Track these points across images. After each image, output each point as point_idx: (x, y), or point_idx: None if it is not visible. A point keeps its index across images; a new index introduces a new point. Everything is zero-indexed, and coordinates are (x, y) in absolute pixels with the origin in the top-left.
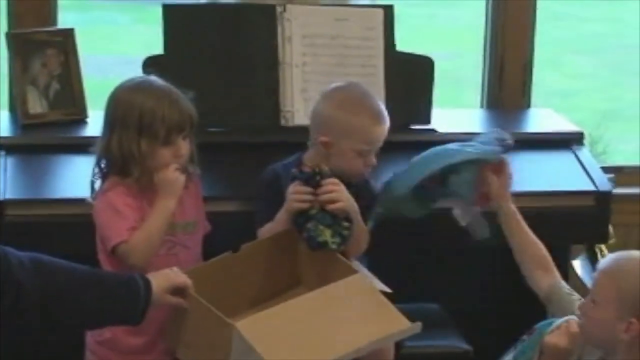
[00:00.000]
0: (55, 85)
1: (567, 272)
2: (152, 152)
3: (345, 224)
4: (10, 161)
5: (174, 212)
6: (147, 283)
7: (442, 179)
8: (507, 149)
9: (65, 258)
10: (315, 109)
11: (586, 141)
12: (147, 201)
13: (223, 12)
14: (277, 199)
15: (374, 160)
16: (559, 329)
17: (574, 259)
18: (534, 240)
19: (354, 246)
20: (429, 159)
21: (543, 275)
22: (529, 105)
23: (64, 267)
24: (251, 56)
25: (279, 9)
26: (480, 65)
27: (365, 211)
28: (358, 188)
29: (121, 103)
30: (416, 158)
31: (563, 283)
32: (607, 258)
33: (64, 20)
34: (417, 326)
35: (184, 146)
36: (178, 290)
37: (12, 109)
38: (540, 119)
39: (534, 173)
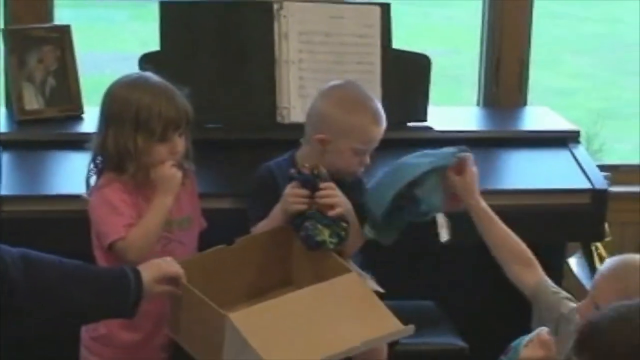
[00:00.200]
0: (51, 82)
1: (562, 270)
2: (148, 148)
3: (343, 224)
4: (6, 157)
5: (171, 208)
6: (137, 275)
7: (410, 196)
8: (463, 151)
9: (61, 254)
10: (313, 106)
11: (582, 139)
12: (143, 197)
13: (219, 8)
14: (270, 197)
15: (367, 159)
16: (532, 342)
17: (569, 256)
18: (510, 235)
19: (349, 245)
20: (388, 183)
21: (524, 270)
22: (525, 103)
23: (53, 263)
24: (248, 53)
25: (275, 6)
26: (477, 63)
27: (359, 209)
28: (352, 187)
29: (117, 99)
30: (376, 181)
31: (548, 281)
32: (608, 261)
33: (60, 17)
34: (410, 329)
35: (180, 143)
36: (171, 280)
37: (8, 105)
38: (537, 117)
39: (530, 171)
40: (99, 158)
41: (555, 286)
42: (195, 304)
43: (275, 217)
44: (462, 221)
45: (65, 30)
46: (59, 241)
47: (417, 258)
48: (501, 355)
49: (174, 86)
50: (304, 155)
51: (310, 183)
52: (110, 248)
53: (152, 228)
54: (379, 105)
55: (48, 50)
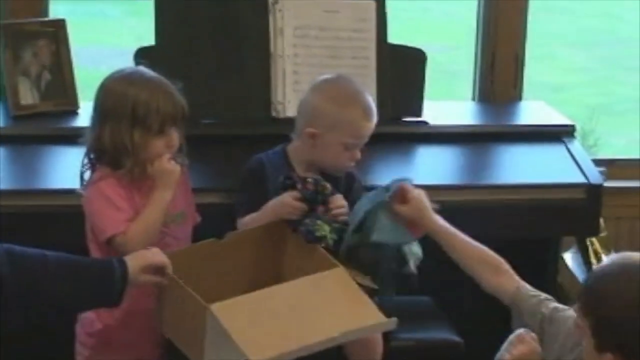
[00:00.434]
0: (46, 76)
1: (557, 265)
2: (145, 143)
3: (344, 225)
4: (1, 152)
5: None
6: (123, 264)
7: (371, 245)
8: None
9: (56, 248)
10: (304, 100)
11: (578, 134)
12: (138, 192)
13: (215, 3)
14: (260, 190)
15: (358, 155)
16: (511, 344)
17: (565, 251)
18: (475, 246)
19: None
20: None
21: (498, 278)
22: (520, 98)
23: (37, 257)
24: (243, 48)
25: (270, 1)
26: (472, 58)
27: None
28: (347, 183)
29: (113, 94)
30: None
31: (526, 285)
32: (604, 264)
33: (55, 11)
34: (393, 322)
35: (176, 137)
36: (157, 270)
37: (3, 99)
38: (532, 111)
39: (525, 165)
40: (94, 153)
41: (533, 289)
42: (179, 295)
43: (265, 215)
44: (456, 216)
45: (60, 25)
46: (54, 235)
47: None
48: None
49: (169, 81)
50: (295, 149)
51: (312, 201)
52: (109, 242)
53: (152, 223)
54: (371, 100)
55: (43, 44)
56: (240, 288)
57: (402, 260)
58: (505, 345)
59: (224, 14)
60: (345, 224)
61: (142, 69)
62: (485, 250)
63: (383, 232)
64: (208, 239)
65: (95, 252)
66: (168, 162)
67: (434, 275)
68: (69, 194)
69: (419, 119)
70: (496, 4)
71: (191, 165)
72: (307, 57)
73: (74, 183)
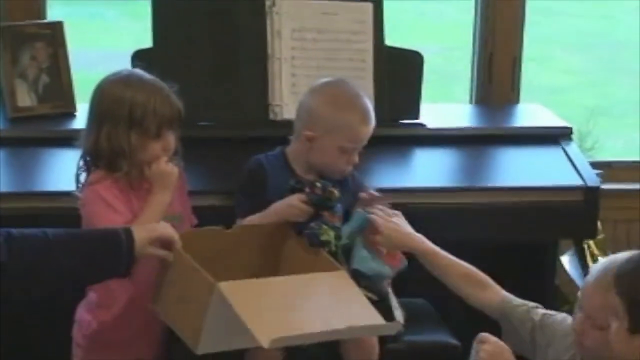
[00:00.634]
0: (44, 79)
1: (555, 268)
2: (143, 145)
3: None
4: None
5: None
6: (129, 235)
7: (356, 274)
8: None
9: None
10: (303, 102)
11: (575, 137)
12: (135, 195)
13: (212, 5)
14: (259, 191)
15: (356, 158)
16: (476, 351)
17: (562, 254)
18: (456, 262)
19: None
20: None
21: (483, 292)
22: (518, 101)
23: (38, 236)
24: (240, 50)
25: (268, 3)
26: (470, 61)
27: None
28: (347, 185)
29: (110, 97)
30: None
31: (510, 296)
32: (593, 267)
33: (52, 14)
34: (398, 325)
35: (172, 139)
36: (165, 244)
37: (1, 102)
38: (529, 114)
39: (522, 168)
40: (90, 155)
41: (518, 299)
42: (184, 270)
43: (269, 217)
44: (453, 218)
45: (57, 27)
46: None
47: (409, 256)
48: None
49: (165, 83)
50: (294, 151)
51: (318, 206)
52: None
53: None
54: (369, 104)
55: (41, 47)
56: (238, 278)
57: (388, 305)
58: (472, 353)
59: (221, 16)
60: None
61: (139, 71)
62: (468, 267)
63: (362, 261)
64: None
65: None
66: (166, 165)
67: (430, 278)
68: (66, 197)
69: (416, 121)
70: (494, 7)
71: (188, 167)
72: (305, 60)
73: (71, 185)
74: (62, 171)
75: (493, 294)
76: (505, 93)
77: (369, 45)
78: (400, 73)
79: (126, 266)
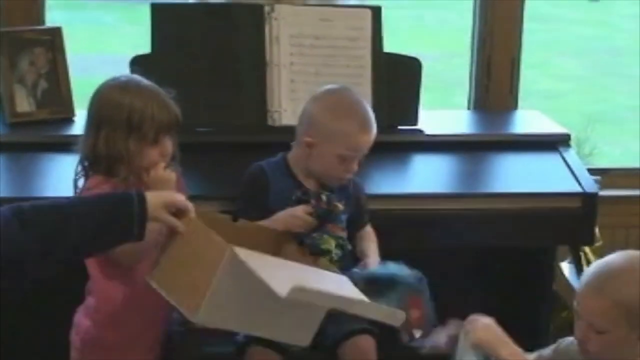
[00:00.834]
0: (42, 84)
1: (552, 274)
2: (140, 152)
3: (348, 246)
4: None
5: None
6: (142, 198)
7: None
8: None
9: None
10: (305, 108)
11: (573, 143)
12: None
13: (211, 11)
14: (260, 196)
15: (355, 167)
16: (468, 330)
17: (562, 261)
18: None
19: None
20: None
21: None
22: (516, 107)
23: (48, 207)
24: (239, 56)
25: (267, 9)
26: (468, 67)
27: (358, 212)
28: (347, 191)
29: (108, 103)
30: None
31: (541, 351)
32: (584, 274)
33: (51, 19)
34: (402, 315)
35: (170, 145)
36: (178, 213)
37: (0, 107)
38: (527, 120)
39: (520, 174)
40: (88, 161)
41: (546, 348)
42: (197, 236)
43: (272, 225)
44: (451, 224)
45: (56, 33)
46: None
47: (406, 261)
48: None
49: (162, 89)
50: (295, 157)
51: (323, 217)
52: None
53: (149, 231)
54: (370, 114)
55: (39, 52)
56: None
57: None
58: (460, 337)
59: (220, 23)
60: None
61: (137, 77)
62: None
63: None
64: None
65: (91, 262)
66: (163, 171)
67: (430, 285)
68: None
69: (414, 127)
70: (492, 13)
71: (187, 173)
72: (303, 66)
73: (69, 191)
74: (61, 176)
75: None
76: (504, 99)
77: (367, 52)
78: (398, 79)
79: (139, 229)
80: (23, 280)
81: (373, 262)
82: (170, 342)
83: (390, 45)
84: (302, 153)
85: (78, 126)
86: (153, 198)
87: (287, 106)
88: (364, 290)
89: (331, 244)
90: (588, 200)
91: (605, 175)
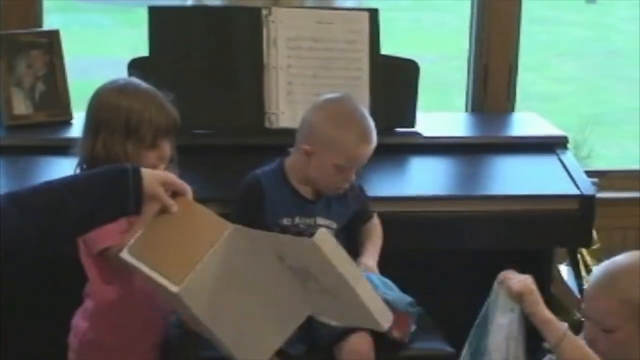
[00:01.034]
0: (40, 87)
1: (550, 276)
2: (138, 155)
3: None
4: None
5: None
6: (137, 171)
7: None
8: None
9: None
10: (305, 116)
11: (570, 145)
12: None
13: (209, 14)
14: (257, 207)
15: (352, 177)
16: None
17: (560, 263)
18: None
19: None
20: None
21: None
22: (513, 109)
23: (42, 190)
24: (236, 58)
25: (264, 12)
26: (465, 69)
27: (362, 209)
28: (345, 194)
29: (107, 105)
30: None
31: None
32: (592, 275)
33: (49, 22)
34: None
35: (167, 148)
36: (174, 194)
37: None
38: (525, 122)
39: (518, 177)
40: (86, 163)
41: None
42: (193, 215)
43: None
44: (449, 227)
45: (54, 36)
46: None
47: (404, 263)
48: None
49: (161, 92)
50: (292, 164)
51: None
52: (102, 253)
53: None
54: (371, 125)
55: (37, 55)
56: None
57: None
58: (491, 295)
59: (217, 25)
60: None
61: (136, 80)
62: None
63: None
64: None
65: (89, 265)
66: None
67: (425, 286)
68: None
69: (412, 129)
70: (489, 15)
71: (185, 175)
72: (301, 68)
73: None
74: None
75: None
76: (501, 101)
77: (364, 54)
78: (396, 82)
79: (135, 203)
80: (24, 266)
81: (366, 264)
82: (168, 345)
83: (387, 48)
84: (301, 160)
85: (76, 129)
86: (149, 173)
87: (284, 108)
88: None
89: None
90: (585, 202)
91: (602, 177)
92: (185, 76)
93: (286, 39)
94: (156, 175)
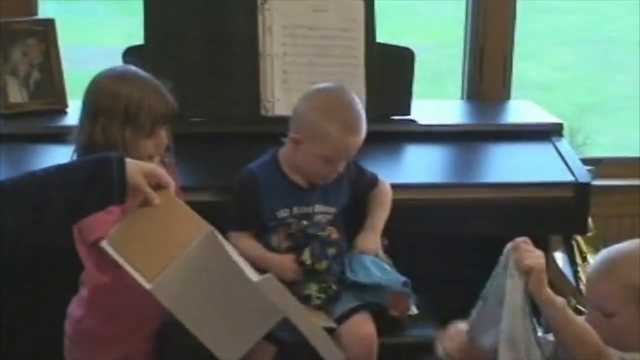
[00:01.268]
0: (35, 75)
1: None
2: (136, 143)
3: (334, 287)
4: None
5: None
6: (121, 160)
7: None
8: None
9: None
10: (296, 105)
11: (566, 133)
12: None
13: (204, 2)
14: (252, 203)
15: (340, 168)
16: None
17: (555, 250)
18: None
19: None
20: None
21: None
22: (509, 97)
23: (25, 181)
24: (232, 46)
25: (259, 0)
26: (461, 57)
27: (363, 183)
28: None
29: (106, 93)
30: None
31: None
32: (593, 264)
33: (44, 10)
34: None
35: (165, 136)
36: (157, 187)
37: None
38: (520, 110)
39: (513, 164)
40: (84, 151)
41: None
42: (173, 211)
43: (263, 261)
44: (444, 214)
45: (49, 24)
46: None
47: (400, 251)
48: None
49: (158, 80)
50: (285, 153)
51: (311, 274)
52: (97, 242)
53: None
54: (360, 116)
55: (32, 43)
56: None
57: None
58: (501, 260)
59: (213, 13)
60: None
61: (133, 68)
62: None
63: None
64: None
65: (83, 253)
66: (156, 165)
67: (424, 274)
68: None
69: (407, 117)
70: (485, 3)
71: (180, 163)
72: (296, 56)
73: None
74: None
75: None
76: (497, 89)
77: (360, 42)
78: (391, 69)
79: (119, 192)
80: (17, 253)
81: (361, 247)
82: (164, 334)
83: (383, 36)
84: (290, 150)
85: (71, 117)
86: (133, 164)
87: (279, 96)
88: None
89: (312, 289)
90: (581, 189)
91: (598, 164)
92: (180, 64)
93: (282, 27)
94: (140, 166)
